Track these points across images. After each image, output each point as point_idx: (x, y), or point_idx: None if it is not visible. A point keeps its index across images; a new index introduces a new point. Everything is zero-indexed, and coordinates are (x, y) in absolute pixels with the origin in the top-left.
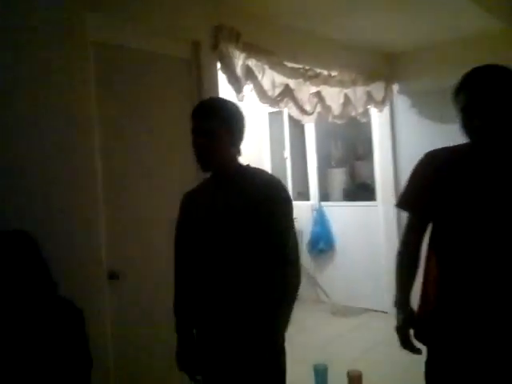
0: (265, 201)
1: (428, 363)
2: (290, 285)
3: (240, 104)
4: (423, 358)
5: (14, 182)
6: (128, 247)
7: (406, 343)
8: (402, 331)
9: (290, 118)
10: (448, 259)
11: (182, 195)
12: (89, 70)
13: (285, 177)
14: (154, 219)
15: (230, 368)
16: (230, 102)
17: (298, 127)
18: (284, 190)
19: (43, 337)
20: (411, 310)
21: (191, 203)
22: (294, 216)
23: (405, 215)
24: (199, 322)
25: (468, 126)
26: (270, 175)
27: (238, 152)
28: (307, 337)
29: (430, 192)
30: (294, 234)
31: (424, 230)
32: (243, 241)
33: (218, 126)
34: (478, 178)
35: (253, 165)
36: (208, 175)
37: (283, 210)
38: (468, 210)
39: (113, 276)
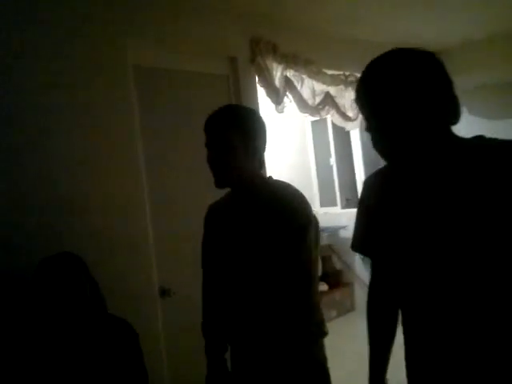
0: (284, 225)
1: None
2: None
3: (279, 114)
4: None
5: (68, 206)
6: (177, 265)
7: None
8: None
9: (334, 125)
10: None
11: (207, 207)
12: (130, 93)
13: (332, 184)
14: (201, 235)
15: None
16: (245, 108)
17: (343, 134)
18: (308, 207)
19: (99, 355)
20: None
21: (214, 219)
22: (345, 224)
23: None
24: (233, 345)
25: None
26: (294, 190)
27: (260, 163)
28: (365, 348)
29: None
30: (310, 253)
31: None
32: (264, 262)
33: (229, 136)
34: (409, 204)
35: (296, 175)
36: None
37: (302, 234)
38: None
39: (164, 293)
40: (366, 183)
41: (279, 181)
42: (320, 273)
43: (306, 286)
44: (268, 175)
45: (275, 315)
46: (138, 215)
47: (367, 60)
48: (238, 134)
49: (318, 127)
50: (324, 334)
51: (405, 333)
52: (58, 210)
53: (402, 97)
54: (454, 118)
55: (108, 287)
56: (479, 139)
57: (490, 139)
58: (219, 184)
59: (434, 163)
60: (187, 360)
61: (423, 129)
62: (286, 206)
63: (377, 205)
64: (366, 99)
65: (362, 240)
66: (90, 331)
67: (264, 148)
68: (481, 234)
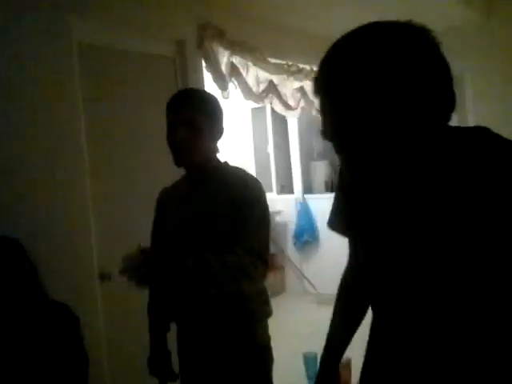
0: (240, 206)
1: None
2: (249, 268)
3: (223, 101)
4: None
5: (3, 187)
6: (117, 248)
7: None
8: None
9: (273, 112)
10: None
11: (159, 192)
12: (74, 70)
13: (268, 171)
14: (141, 219)
15: (212, 370)
16: (210, 93)
17: (280, 122)
18: (262, 194)
19: (39, 340)
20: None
21: (166, 202)
22: (280, 209)
23: None
24: (179, 324)
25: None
26: (251, 177)
27: (217, 149)
28: (296, 327)
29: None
30: (266, 237)
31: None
32: (214, 245)
33: (199, 116)
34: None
35: (236, 161)
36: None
37: (258, 215)
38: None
39: (104, 277)
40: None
41: (237, 167)
42: None
43: (252, 265)
44: (223, 160)
45: (218, 294)
46: (78, 197)
47: (312, 53)
48: (205, 116)
49: (258, 115)
50: (268, 314)
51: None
52: None
53: (383, 89)
54: (448, 116)
55: (46, 272)
56: (478, 135)
57: (488, 139)
58: (179, 162)
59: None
60: (126, 345)
61: (411, 130)
62: (243, 194)
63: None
64: (333, 91)
65: (337, 220)
66: (29, 317)
67: (222, 134)
68: (444, 237)
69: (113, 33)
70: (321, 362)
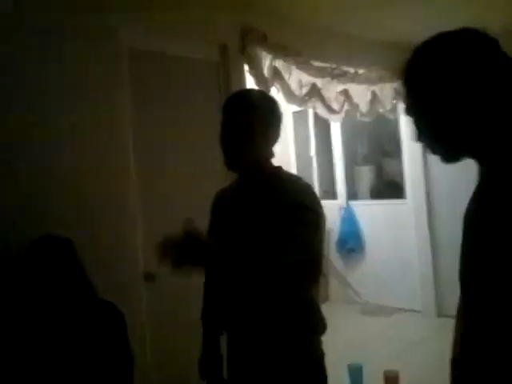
0: (295, 212)
1: None
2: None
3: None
4: None
5: (54, 187)
6: None
7: None
8: None
9: (315, 116)
10: None
11: (215, 194)
12: (123, 76)
13: (311, 176)
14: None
15: (263, 380)
16: (268, 95)
17: (323, 125)
18: (318, 202)
19: (86, 337)
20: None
21: (220, 206)
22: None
23: (437, 212)
24: (230, 329)
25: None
26: (305, 184)
27: (272, 153)
28: (340, 337)
29: None
30: (320, 243)
31: None
32: (270, 251)
33: (255, 120)
34: None
35: (277, 164)
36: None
37: (311, 222)
38: None
39: (149, 278)
40: None
41: (291, 173)
42: None
43: (310, 279)
44: (277, 165)
45: (274, 306)
46: (125, 197)
47: (354, 54)
48: (260, 118)
49: (300, 118)
50: (323, 328)
51: None
52: (42, 191)
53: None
54: None
55: (93, 271)
56: None
57: None
58: (232, 165)
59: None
60: (172, 345)
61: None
62: (297, 200)
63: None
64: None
65: None
66: (76, 316)
67: (278, 138)
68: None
69: (159, 38)
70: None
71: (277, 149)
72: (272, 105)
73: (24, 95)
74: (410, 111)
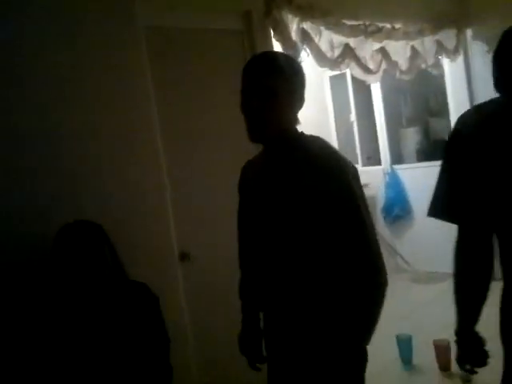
0: (328, 181)
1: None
2: (375, 286)
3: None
4: None
5: (86, 174)
6: (197, 228)
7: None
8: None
9: (354, 79)
10: None
11: (241, 168)
12: (143, 56)
13: (352, 142)
14: (219, 199)
15: (301, 361)
16: (290, 57)
17: (363, 88)
18: (349, 167)
19: (120, 319)
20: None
21: (247, 182)
22: (366, 182)
23: None
24: (266, 309)
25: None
26: (331, 149)
27: (297, 119)
28: (390, 307)
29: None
30: (368, 214)
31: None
32: (306, 227)
33: (278, 84)
34: None
35: (316, 132)
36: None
37: (351, 189)
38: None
39: (184, 257)
40: (458, 126)
41: (316, 139)
42: None
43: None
44: (300, 132)
45: (310, 286)
46: (155, 178)
47: (389, 7)
48: (284, 81)
49: (337, 82)
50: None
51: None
52: (72, 176)
53: None
54: None
55: (127, 252)
56: None
57: None
58: (255, 136)
59: None
60: (211, 324)
61: None
62: (331, 156)
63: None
64: None
65: (447, 204)
66: (110, 298)
67: (303, 103)
68: None
69: (177, 12)
70: (458, 334)
71: (315, 116)
72: (296, 67)
73: (44, 83)
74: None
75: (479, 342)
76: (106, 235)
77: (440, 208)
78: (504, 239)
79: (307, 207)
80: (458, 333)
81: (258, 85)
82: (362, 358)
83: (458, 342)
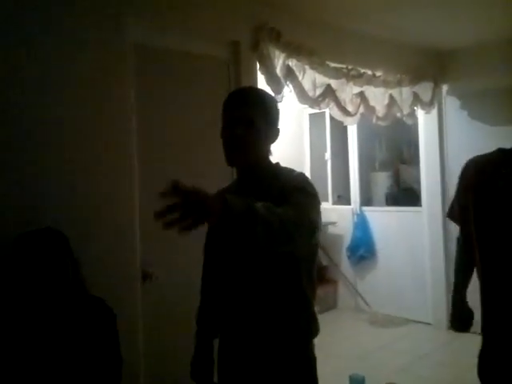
0: (291, 192)
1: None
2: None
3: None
4: (468, 378)
5: (52, 182)
6: (160, 249)
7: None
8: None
9: (332, 119)
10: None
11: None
12: (127, 70)
13: (325, 179)
14: None
15: (254, 380)
16: (269, 93)
17: (340, 129)
18: (312, 186)
19: (74, 332)
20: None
21: None
22: (335, 220)
23: (451, 223)
24: (223, 335)
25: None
26: (301, 173)
27: (270, 151)
28: (346, 347)
29: (467, 203)
30: (316, 214)
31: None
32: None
33: (258, 116)
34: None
35: (291, 166)
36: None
37: (308, 201)
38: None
39: (146, 277)
40: (464, 167)
41: (288, 168)
42: None
43: (304, 275)
44: (275, 162)
45: (268, 307)
46: (125, 195)
47: (372, 55)
48: (263, 114)
49: (316, 120)
50: (316, 331)
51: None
52: (40, 188)
53: None
54: None
55: (89, 267)
56: None
57: None
58: (233, 161)
59: None
60: (164, 347)
61: None
62: (294, 183)
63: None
64: None
65: (454, 211)
66: (67, 311)
67: (277, 136)
68: None
69: (166, 33)
70: (453, 301)
71: (292, 151)
72: (273, 102)
73: (23, 90)
74: None
75: (467, 304)
76: (68, 244)
77: (449, 212)
78: (482, 247)
79: None
80: (453, 295)
81: (237, 116)
82: (313, 377)
83: (452, 302)
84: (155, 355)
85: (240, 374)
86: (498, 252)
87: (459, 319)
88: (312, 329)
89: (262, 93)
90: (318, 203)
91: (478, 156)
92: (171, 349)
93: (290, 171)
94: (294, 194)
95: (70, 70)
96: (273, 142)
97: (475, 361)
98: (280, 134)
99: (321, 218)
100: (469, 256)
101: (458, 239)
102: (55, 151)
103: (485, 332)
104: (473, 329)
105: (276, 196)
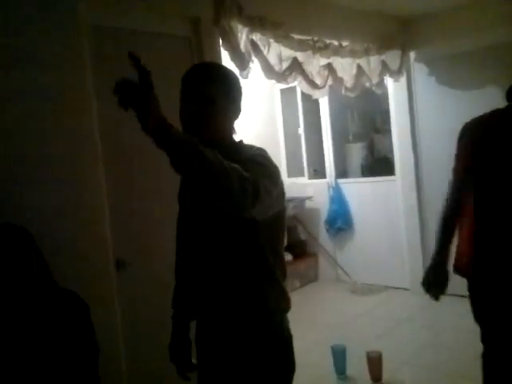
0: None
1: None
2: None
3: (248, 81)
4: (447, 339)
5: (13, 173)
6: (134, 237)
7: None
8: (433, 268)
9: (304, 93)
10: (485, 217)
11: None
12: (84, 53)
13: (300, 154)
14: (159, 206)
15: (229, 365)
16: (229, 69)
17: (312, 103)
18: (268, 158)
19: (45, 328)
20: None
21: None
22: (311, 195)
23: (425, 190)
24: (198, 317)
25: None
26: (259, 148)
27: (233, 129)
28: (328, 317)
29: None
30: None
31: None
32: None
33: (216, 91)
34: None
35: (264, 144)
36: None
37: (260, 169)
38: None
39: (120, 265)
40: (466, 127)
41: (252, 145)
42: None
43: (268, 251)
44: (239, 140)
45: (237, 286)
46: (92, 182)
47: (337, 25)
48: (221, 90)
49: (287, 95)
50: (288, 307)
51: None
52: (3, 181)
53: None
54: None
55: (60, 260)
56: None
57: None
58: None
59: None
60: (144, 333)
61: None
62: (258, 151)
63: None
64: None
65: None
66: (36, 306)
67: (239, 114)
68: None
69: (123, 13)
70: (433, 263)
71: (265, 127)
72: (234, 79)
73: None
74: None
75: (446, 267)
76: (31, 239)
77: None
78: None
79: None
80: (435, 256)
81: (196, 92)
82: (289, 366)
83: (432, 264)
84: (134, 343)
85: (216, 354)
86: (498, 198)
87: (435, 283)
88: (282, 305)
89: (220, 68)
90: (274, 174)
91: (475, 118)
92: (151, 335)
93: (250, 148)
94: (248, 164)
95: (28, 54)
96: (234, 120)
97: (454, 322)
98: (241, 111)
99: (280, 189)
100: (459, 206)
101: (453, 189)
102: (16, 143)
103: (477, 277)
104: (450, 290)
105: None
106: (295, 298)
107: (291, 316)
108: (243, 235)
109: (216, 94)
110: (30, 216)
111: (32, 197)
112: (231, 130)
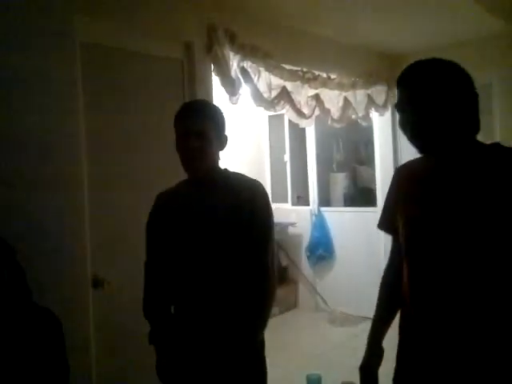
0: (248, 202)
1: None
2: (269, 290)
3: (237, 107)
4: None
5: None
6: (112, 256)
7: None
8: (364, 370)
9: (291, 121)
10: (415, 271)
11: (156, 196)
12: (76, 70)
13: (285, 181)
14: (138, 226)
15: (212, 370)
16: (216, 105)
17: (298, 131)
18: (266, 193)
19: (16, 343)
20: (381, 349)
21: (168, 205)
22: (294, 221)
23: None
24: (182, 328)
25: (400, 124)
26: (252, 178)
27: (219, 157)
28: (305, 345)
29: (394, 210)
30: (273, 237)
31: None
32: (227, 243)
33: (210, 128)
34: (434, 192)
35: (251, 169)
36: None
37: (265, 212)
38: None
39: (97, 284)
40: (397, 169)
41: (236, 172)
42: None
43: (263, 272)
44: (223, 167)
45: (226, 300)
46: (73, 200)
47: (327, 58)
48: (214, 127)
49: (275, 122)
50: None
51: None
52: None
53: (443, 102)
54: (476, 129)
55: (37, 275)
56: (496, 146)
57: (505, 147)
58: (196, 172)
59: (453, 162)
60: (117, 354)
61: (452, 131)
62: (252, 184)
63: (398, 192)
64: (414, 98)
65: (384, 219)
66: (6, 320)
67: (225, 144)
68: (480, 232)
69: (118, 33)
70: (368, 343)
71: (252, 153)
72: (221, 114)
73: None
74: (403, 109)
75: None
76: (11, 253)
77: (380, 223)
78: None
79: (231, 226)
80: (371, 334)
81: (193, 129)
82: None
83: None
84: (108, 361)
85: (192, 352)
86: (428, 264)
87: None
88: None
89: (212, 106)
90: (273, 222)
91: (409, 161)
92: (125, 354)
93: (240, 177)
94: (257, 220)
95: (19, 66)
96: (222, 149)
97: None
98: (228, 140)
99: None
100: (397, 275)
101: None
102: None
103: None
104: None
105: (230, 205)
106: (274, 324)
107: (269, 343)
108: (242, 260)
109: (209, 130)
110: (11, 229)
111: (14, 211)
112: (218, 158)
